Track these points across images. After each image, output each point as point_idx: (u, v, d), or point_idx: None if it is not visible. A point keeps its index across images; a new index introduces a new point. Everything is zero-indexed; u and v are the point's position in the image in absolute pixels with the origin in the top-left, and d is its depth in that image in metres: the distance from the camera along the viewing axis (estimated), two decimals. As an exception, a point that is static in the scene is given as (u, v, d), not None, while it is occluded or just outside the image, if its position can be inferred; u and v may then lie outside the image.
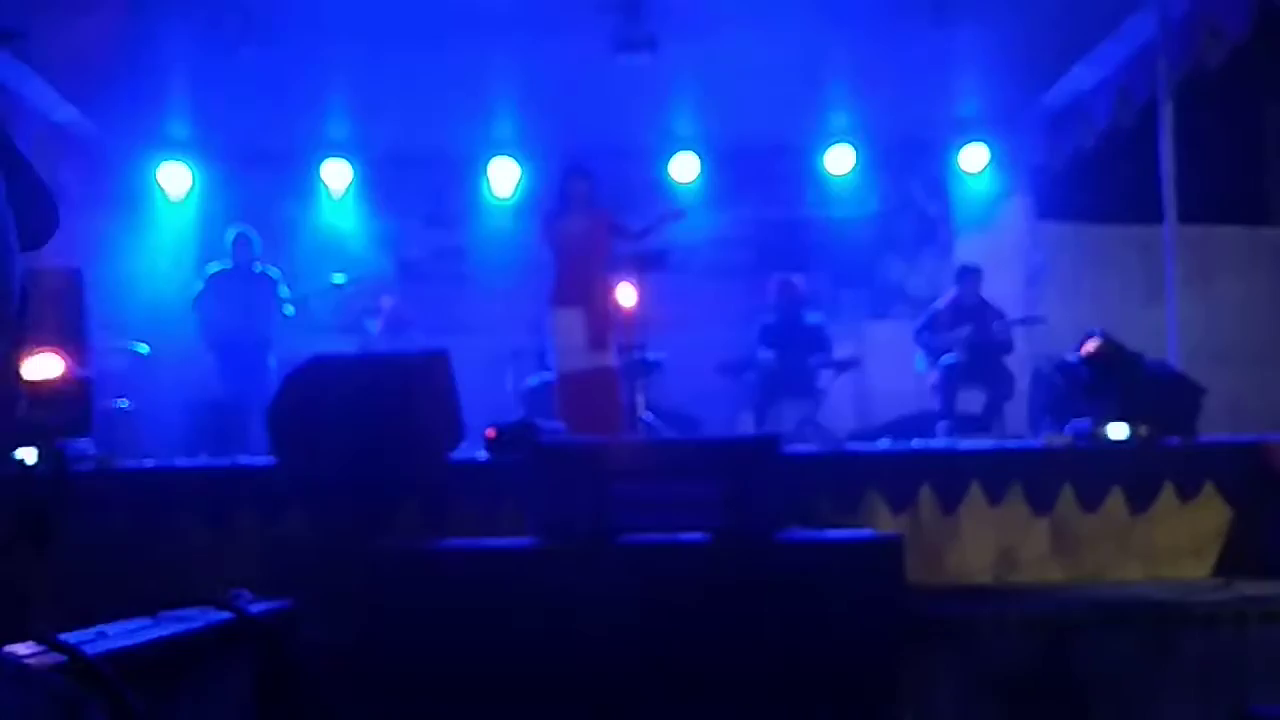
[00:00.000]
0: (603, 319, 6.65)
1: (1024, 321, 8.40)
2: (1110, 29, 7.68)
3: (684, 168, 9.83)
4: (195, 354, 8.46)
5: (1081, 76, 8.57)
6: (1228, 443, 5.52)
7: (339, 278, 8.65)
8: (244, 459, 6.00)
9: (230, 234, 8.57)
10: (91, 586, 4.57)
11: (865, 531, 4.73)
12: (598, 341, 6.61)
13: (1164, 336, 7.01)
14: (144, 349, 8.10)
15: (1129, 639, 4.28)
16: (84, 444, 5.46)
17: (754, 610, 4.13)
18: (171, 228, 9.68)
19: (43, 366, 5.30)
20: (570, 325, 6.65)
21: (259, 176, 9.65)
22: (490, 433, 5.58)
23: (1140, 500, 5.15)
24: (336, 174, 9.79)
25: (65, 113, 8.52)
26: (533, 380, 8.31)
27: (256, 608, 2.76)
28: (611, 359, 6.69)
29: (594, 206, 6.85)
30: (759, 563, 4.23)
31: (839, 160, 9.81)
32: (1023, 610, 4.40)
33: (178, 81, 8.32)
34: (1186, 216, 7.31)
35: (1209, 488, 5.20)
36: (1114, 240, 9.35)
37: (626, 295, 6.60)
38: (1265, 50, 7.04)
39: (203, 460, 6.28)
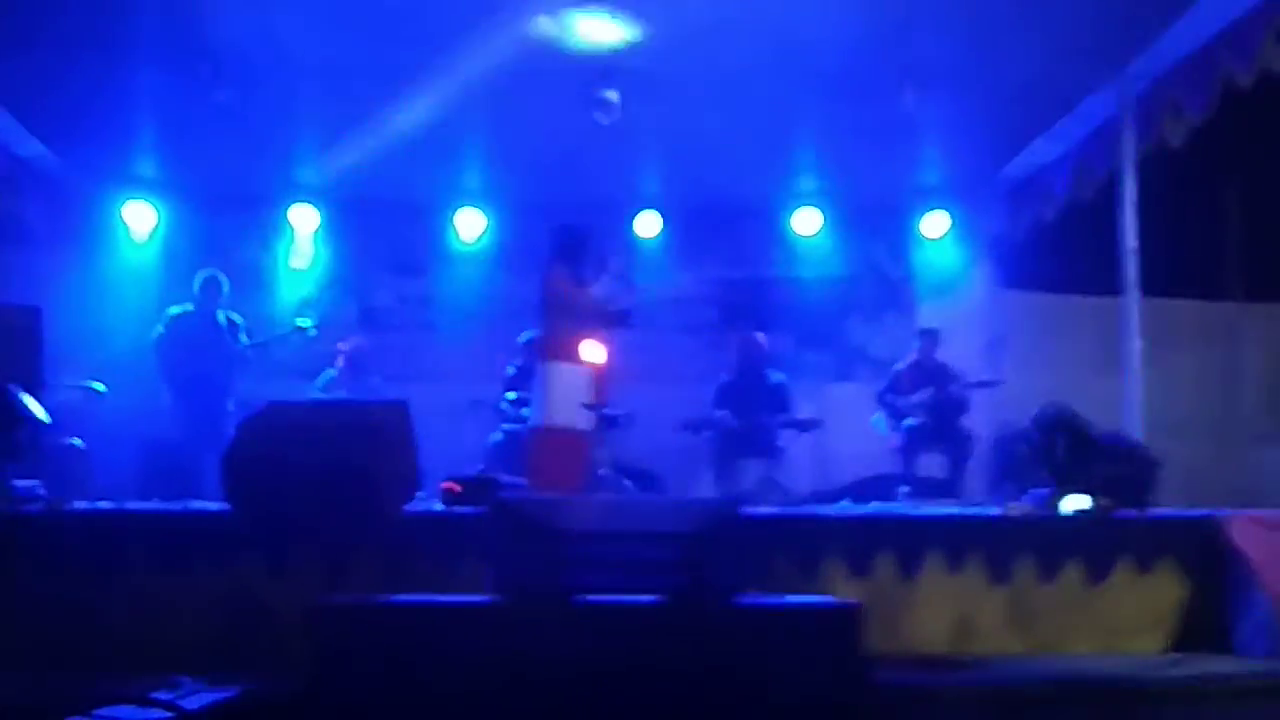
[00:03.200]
0: (588, 376, 6.67)
1: (982, 384, 8.46)
2: (1072, 105, 7.84)
3: (647, 225, 9.88)
4: (153, 395, 8.35)
5: (1043, 149, 8.73)
6: (1184, 516, 5.55)
7: (303, 322, 8.59)
8: (197, 505, 5.91)
9: (199, 277, 8.51)
10: (33, 639, 4.49)
11: (825, 598, 4.70)
12: (582, 399, 6.62)
13: (1120, 407, 7.08)
14: (100, 387, 8.00)
15: (1084, 715, 4.27)
16: (33, 484, 5.35)
17: (709, 675, 4.08)
18: (134, 267, 9.59)
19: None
20: (567, 381, 6.65)
21: (225, 218, 9.61)
22: (449, 485, 5.54)
23: (1097, 572, 5.16)
24: (303, 218, 9.75)
25: (31, 148, 8.46)
26: (496, 434, 8.26)
27: (198, 701, 2.66)
28: (590, 417, 6.70)
29: (581, 264, 6.87)
30: (715, 626, 4.19)
31: (804, 222, 9.90)
32: (980, 683, 4.38)
33: (146, 121, 8.28)
34: (1145, 289, 7.41)
35: (1165, 561, 5.22)
36: (1072, 310, 9.46)
37: (594, 352, 6.60)
38: (1225, 128, 7.17)
39: (155, 505, 6.17)
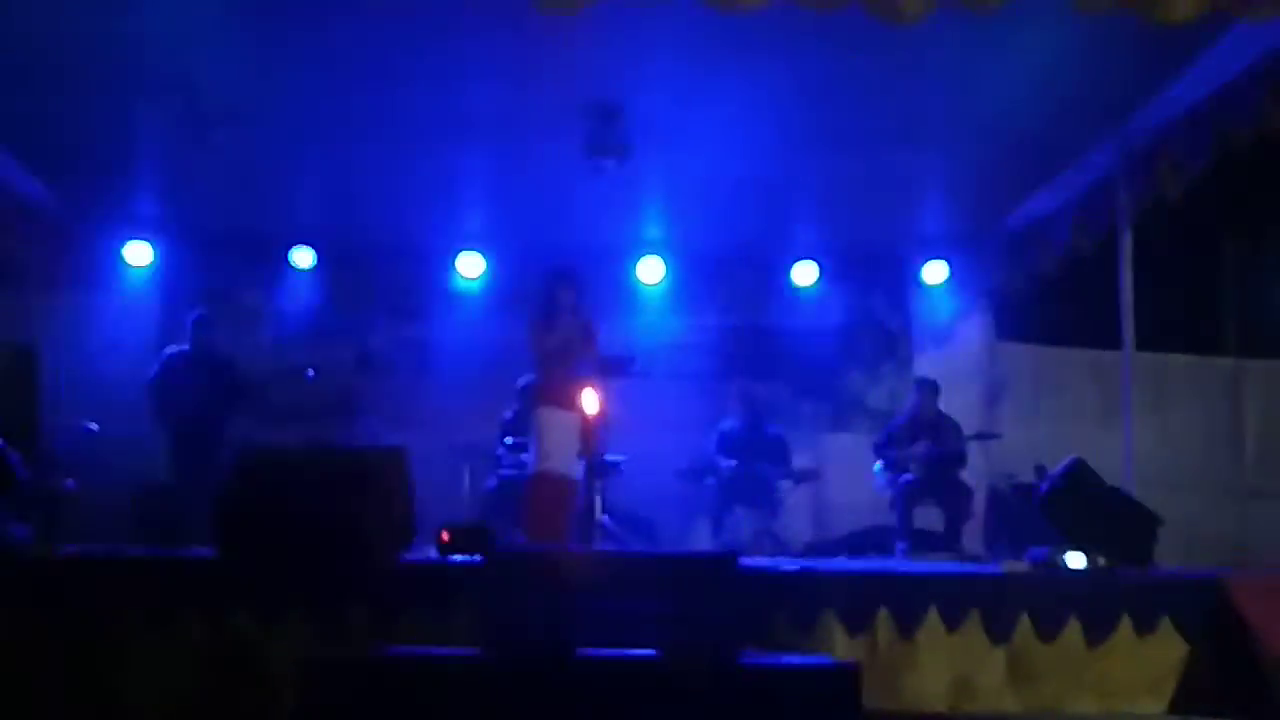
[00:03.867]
0: (582, 423, 6.63)
1: (980, 437, 8.43)
2: (1071, 158, 7.86)
3: (650, 271, 9.88)
4: (148, 436, 8.29)
5: (1042, 202, 8.74)
6: (1185, 576, 5.51)
7: (300, 367, 8.54)
8: (187, 551, 5.84)
9: (192, 316, 8.48)
10: (16, 687, 4.42)
11: (822, 658, 4.65)
12: (576, 446, 6.58)
13: (1117, 461, 7.04)
14: (93, 427, 7.95)
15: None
16: (21, 529, 5.30)
17: (706, 732, 4.03)
18: (132, 307, 9.56)
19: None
20: (560, 428, 6.61)
21: (223, 259, 9.59)
22: (444, 535, 5.49)
23: (1097, 632, 5.13)
24: (303, 261, 9.75)
25: (29, 187, 8.45)
26: (491, 481, 8.21)
27: None
28: (583, 465, 6.67)
29: (578, 313, 6.86)
30: (711, 684, 4.14)
31: (803, 272, 9.90)
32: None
33: (145, 161, 8.27)
34: (1142, 343, 7.41)
35: (1166, 622, 5.18)
36: (1070, 363, 9.45)
37: (590, 400, 6.56)
38: (1223, 183, 7.21)
39: (144, 551, 6.10)
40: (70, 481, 7.40)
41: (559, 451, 6.56)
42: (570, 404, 6.56)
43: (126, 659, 4.60)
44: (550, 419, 6.63)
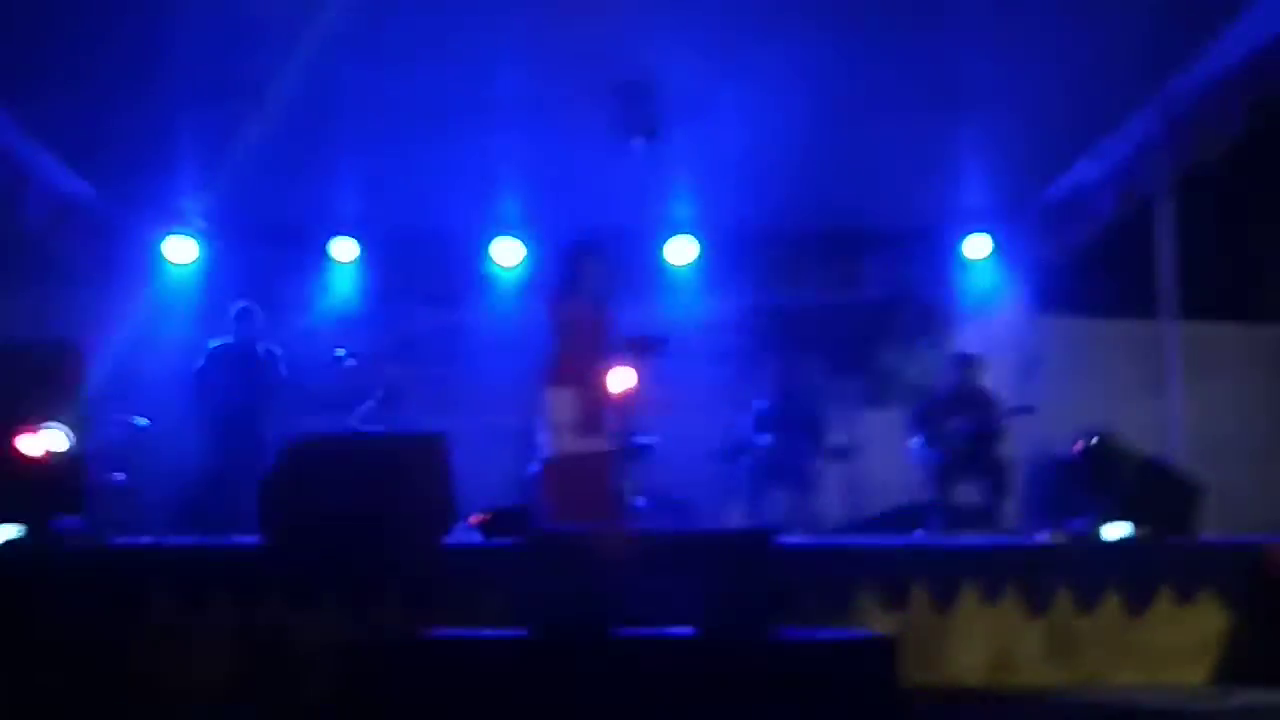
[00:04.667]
0: (596, 402, 6.51)
1: (1019, 411, 8.37)
2: (1113, 125, 7.76)
3: (681, 251, 9.88)
4: (194, 428, 8.42)
5: (1084, 171, 8.65)
6: (1227, 544, 5.47)
7: (340, 353, 8.63)
8: (234, 539, 5.96)
9: (234, 308, 8.59)
10: (63, 672, 4.53)
11: (858, 631, 4.67)
12: (590, 424, 6.45)
13: (1160, 432, 6.98)
14: (143, 422, 8.08)
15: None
16: (75, 521, 5.42)
17: (743, 708, 4.06)
18: (176, 301, 9.70)
19: (33, 443, 5.29)
20: (562, 405, 6.48)
21: (265, 251, 9.70)
22: (480, 518, 5.55)
23: (1138, 602, 5.10)
24: (342, 251, 9.85)
25: (73, 185, 8.60)
26: (534, 466, 8.25)
27: None
28: (605, 443, 6.54)
29: (604, 287, 6.78)
30: (748, 660, 4.17)
31: (838, 247, 9.84)
32: (1020, 716, 4.32)
33: (186, 156, 8.39)
34: (1185, 312, 7.32)
35: (1207, 590, 5.15)
36: (1111, 335, 9.36)
37: (621, 379, 6.52)
38: (1265, 148, 7.10)
39: (187, 539, 6.22)
40: (120, 475, 7.53)
41: (564, 430, 6.43)
42: (585, 381, 6.43)
43: (170, 644, 4.69)
44: (550, 400, 6.50)
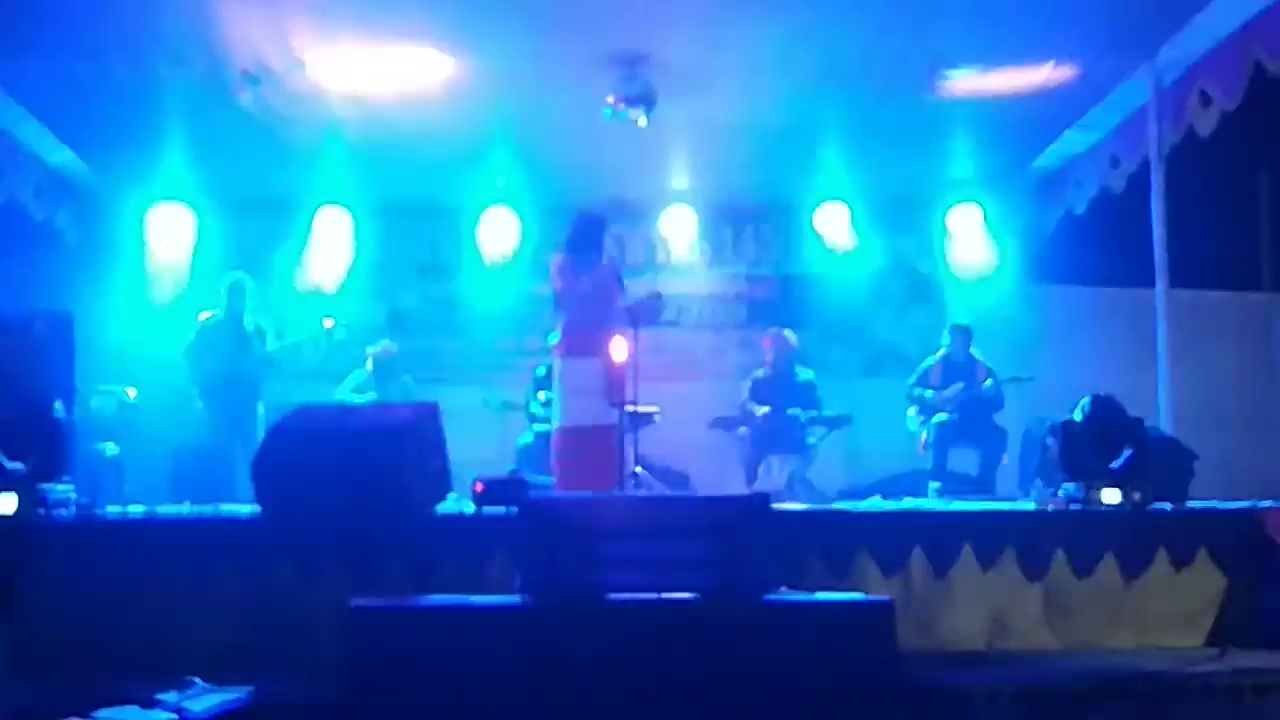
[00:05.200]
0: (609, 371, 6.52)
1: (1013, 380, 8.38)
2: (1102, 95, 7.76)
3: (677, 222, 9.85)
4: (184, 400, 8.39)
5: (1074, 141, 8.64)
6: (1221, 509, 5.48)
7: (330, 324, 8.60)
8: (228, 509, 5.93)
9: (225, 280, 8.54)
10: (62, 643, 4.50)
11: (856, 595, 4.67)
12: (604, 394, 6.48)
13: (1154, 400, 7.00)
14: (133, 393, 8.04)
15: (1123, 712, 4.21)
16: (65, 491, 5.38)
17: (742, 673, 4.06)
18: (165, 272, 9.64)
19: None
20: (585, 377, 6.50)
21: (254, 223, 9.65)
22: (478, 486, 5.52)
23: (1133, 567, 5.11)
24: (332, 222, 9.78)
25: (61, 155, 8.52)
26: (525, 436, 8.25)
27: (205, 704, 2.61)
28: (616, 413, 6.56)
29: (606, 256, 6.76)
30: (747, 625, 4.17)
31: (832, 218, 9.83)
32: (1016, 681, 4.33)
33: (175, 126, 8.31)
34: (1177, 281, 7.33)
35: (1202, 554, 5.16)
36: (1104, 303, 9.37)
37: (620, 349, 6.52)
38: (1256, 116, 7.08)
39: (185, 510, 6.20)
40: (112, 447, 7.49)
41: (586, 401, 6.47)
42: (597, 351, 6.47)
43: (167, 614, 4.67)
44: (569, 370, 6.54)
